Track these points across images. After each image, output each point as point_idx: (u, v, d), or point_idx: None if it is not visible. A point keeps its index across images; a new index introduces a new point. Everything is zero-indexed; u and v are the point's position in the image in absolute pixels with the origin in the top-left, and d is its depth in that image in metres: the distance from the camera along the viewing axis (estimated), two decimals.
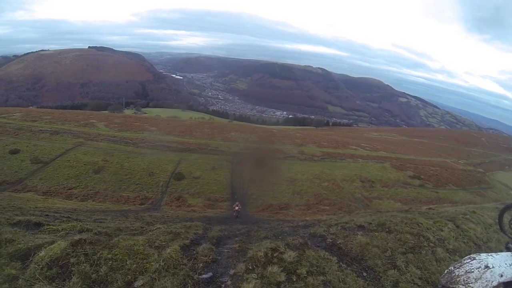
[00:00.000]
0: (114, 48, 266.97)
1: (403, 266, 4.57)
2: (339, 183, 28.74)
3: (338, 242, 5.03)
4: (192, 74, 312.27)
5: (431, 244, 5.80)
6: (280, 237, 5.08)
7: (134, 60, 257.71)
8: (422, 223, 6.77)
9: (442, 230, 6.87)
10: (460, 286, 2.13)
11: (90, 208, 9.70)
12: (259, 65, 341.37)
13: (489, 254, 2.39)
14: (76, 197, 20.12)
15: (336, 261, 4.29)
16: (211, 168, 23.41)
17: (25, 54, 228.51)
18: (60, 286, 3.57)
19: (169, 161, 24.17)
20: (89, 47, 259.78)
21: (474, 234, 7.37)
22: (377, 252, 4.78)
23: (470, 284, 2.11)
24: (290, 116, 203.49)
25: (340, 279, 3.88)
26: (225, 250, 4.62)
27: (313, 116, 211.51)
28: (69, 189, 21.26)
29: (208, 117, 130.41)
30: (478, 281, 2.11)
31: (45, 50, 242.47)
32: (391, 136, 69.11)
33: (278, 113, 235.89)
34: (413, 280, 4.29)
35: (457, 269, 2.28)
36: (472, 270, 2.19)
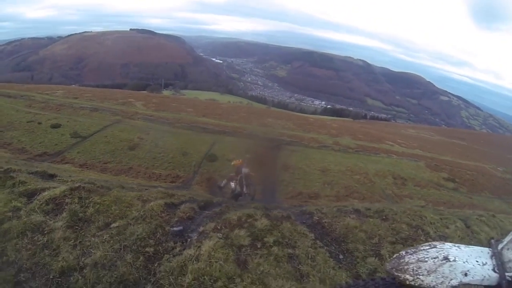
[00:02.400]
0: (154, 31, 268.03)
1: (387, 255, 4.30)
2: (371, 177, 28.22)
3: (323, 221, 4.88)
4: (232, 59, 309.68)
5: (429, 239, 5.33)
6: (272, 210, 5.04)
7: (174, 43, 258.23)
8: (426, 217, 6.35)
9: (448, 228, 6.38)
10: (407, 276, 1.83)
11: (122, 182, 10.06)
12: (300, 53, 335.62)
13: (456, 244, 2.01)
14: (111, 171, 20.59)
15: (313, 238, 4.22)
16: (244, 151, 23.51)
17: (69, 35, 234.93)
18: (51, 219, 4.14)
19: (204, 142, 24.41)
20: (130, 29, 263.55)
21: (486, 238, 6.60)
22: (362, 237, 4.60)
23: (420, 277, 1.80)
24: (328, 106, 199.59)
25: (310, 256, 3.81)
26: (206, 212, 4.75)
27: (351, 108, 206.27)
28: (105, 163, 21.76)
29: (246, 101, 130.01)
30: (431, 275, 1.79)
31: (88, 31, 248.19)
32: (429, 135, 66.96)
33: (317, 102, 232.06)
34: None
35: (409, 255, 1.93)
36: (426, 259, 1.85)
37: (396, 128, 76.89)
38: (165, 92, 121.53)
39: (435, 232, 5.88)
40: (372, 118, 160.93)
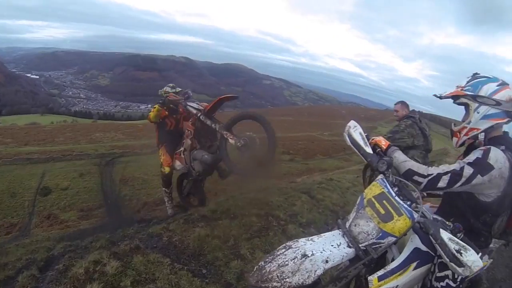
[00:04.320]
0: None
1: (248, 253, 4.37)
2: None
3: (174, 240, 4.67)
4: (49, 72, 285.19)
5: (281, 222, 5.63)
6: (118, 243, 4.64)
7: None
8: (272, 201, 6.58)
9: (294, 205, 6.72)
10: (274, 283, 1.89)
11: None
12: (122, 57, 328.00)
13: (309, 238, 2.15)
14: None
15: (169, 262, 4.04)
16: (78, 175, 21.80)
17: None
18: None
19: (32, 176, 21.94)
20: None
21: (330, 201, 7.37)
22: (217, 244, 4.54)
23: (287, 280, 1.87)
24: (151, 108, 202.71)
25: (173, 283, 3.66)
26: (50, 274, 4.11)
27: None
28: None
29: (71, 119, 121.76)
30: (296, 274, 1.89)
31: None
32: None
33: (143, 106, 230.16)
34: None
35: (268, 264, 1.99)
36: (286, 262, 1.94)
37: (224, 117, 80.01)
38: None
39: (285, 213, 6.11)
40: None
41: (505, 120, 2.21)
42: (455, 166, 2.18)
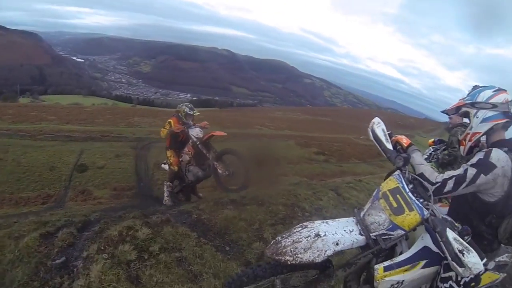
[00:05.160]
0: (6, 26, 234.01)
1: (270, 237, 4.47)
2: None
3: (202, 218, 4.89)
4: (94, 57, 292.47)
5: (306, 213, 5.81)
6: (150, 216, 4.90)
7: (30, 40, 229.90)
8: (300, 194, 6.78)
9: (321, 200, 6.89)
10: (287, 257, 2.02)
11: None
12: (165, 46, 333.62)
13: (325, 221, 2.29)
14: None
15: (196, 236, 4.22)
16: (115, 156, 22.25)
17: None
18: None
19: (71, 152, 22.53)
20: None
21: (356, 200, 7.47)
22: (243, 226, 4.74)
23: (299, 255, 2.01)
24: (194, 98, 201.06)
25: (197, 255, 3.85)
26: (86, 233, 4.40)
27: (217, 98, 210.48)
28: None
29: (111, 102, 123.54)
30: (308, 251, 2.01)
31: None
32: (296, 115, 70.21)
33: (182, 95, 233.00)
34: None
35: (284, 239, 2.13)
36: (300, 239, 2.07)
37: (263, 112, 79.31)
38: (22, 100, 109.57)
39: (311, 206, 6.29)
40: (239, 105, 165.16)
41: (504, 121, 2.31)
42: (460, 170, 2.27)
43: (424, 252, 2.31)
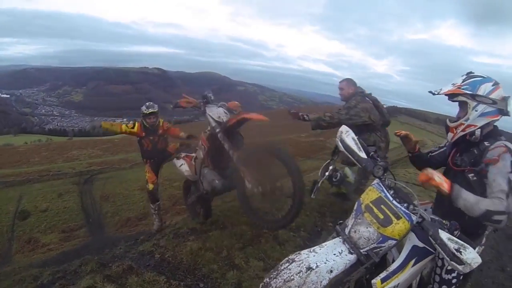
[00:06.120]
0: None
1: (242, 263, 4.30)
2: None
3: (166, 256, 4.53)
4: (20, 91, 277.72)
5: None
6: (109, 265, 4.43)
7: None
8: (259, 208, 6.14)
9: (282, 210, 6.09)
10: None
11: None
12: (95, 72, 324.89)
13: (311, 250, 2.14)
14: None
15: (165, 280, 3.88)
16: (57, 195, 21.35)
17: None
18: None
19: (9, 200, 21.25)
20: None
21: (316, 203, 6.87)
22: (211, 256, 4.44)
23: None
24: (131, 121, 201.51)
25: None
26: None
27: None
28: None
29: (45, 138, 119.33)
30: None
31: None
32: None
33: (118, 120, 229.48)
34: (257, 274, 4.05)
35: (274, 280, 2.00)
36: (292, 277, 1.95)
37: (201, 126, 79.72)
38: None
39: (273, 217, 5.68)
40: (176, 122, 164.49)
41: (498, 118, 2.41)
42: (502, 183, 2.24)
43: (413, 251, 2.24)
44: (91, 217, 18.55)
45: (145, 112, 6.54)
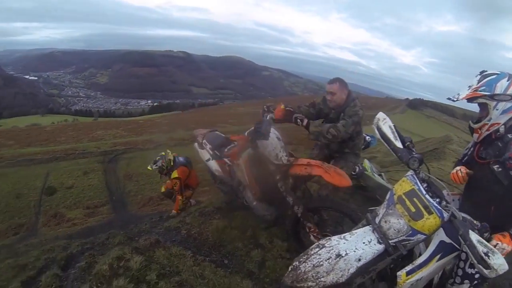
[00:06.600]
0: None
1: (267, 242, 4.33)
2: None
3: (193, 233, 4.59)
4: (48, 73, 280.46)
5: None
6: (135, 239, 4.55)
7: None
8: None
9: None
10: (309, 283, 1.92)
11: None
12: (120, 55, 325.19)
13: (342, 236, 2.15)
14: None
15: (191, 254, 3.94)
16: (82, 173, 21.70)
17: None
18: None
19: (36, 176, 21.73)
20: None
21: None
22: (236, 234, 4.48)
23: (322, 279, 1.90)
24: (155, 103, 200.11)
25: (197, 275, 3.58)
26: (72, 272, 3.97)
27: (178, 101, 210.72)
28: None
29: (72, 118, 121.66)
30: (330, 274, 1.91)
31: None
32: (257, 109, 71.62)
33: (143, 102, 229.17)
34: (280, 254, 4.09)
35: (303, 264, 2.01)
36: (321, 263, 1.95)
37: (225, 110, 80.00)
38: None
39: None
40: (201, 105, 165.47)
41: None
42: None
43: (440, 247, 2.26)
44: (115, 195, 18.81)
45: (154, 167, 7.56)
